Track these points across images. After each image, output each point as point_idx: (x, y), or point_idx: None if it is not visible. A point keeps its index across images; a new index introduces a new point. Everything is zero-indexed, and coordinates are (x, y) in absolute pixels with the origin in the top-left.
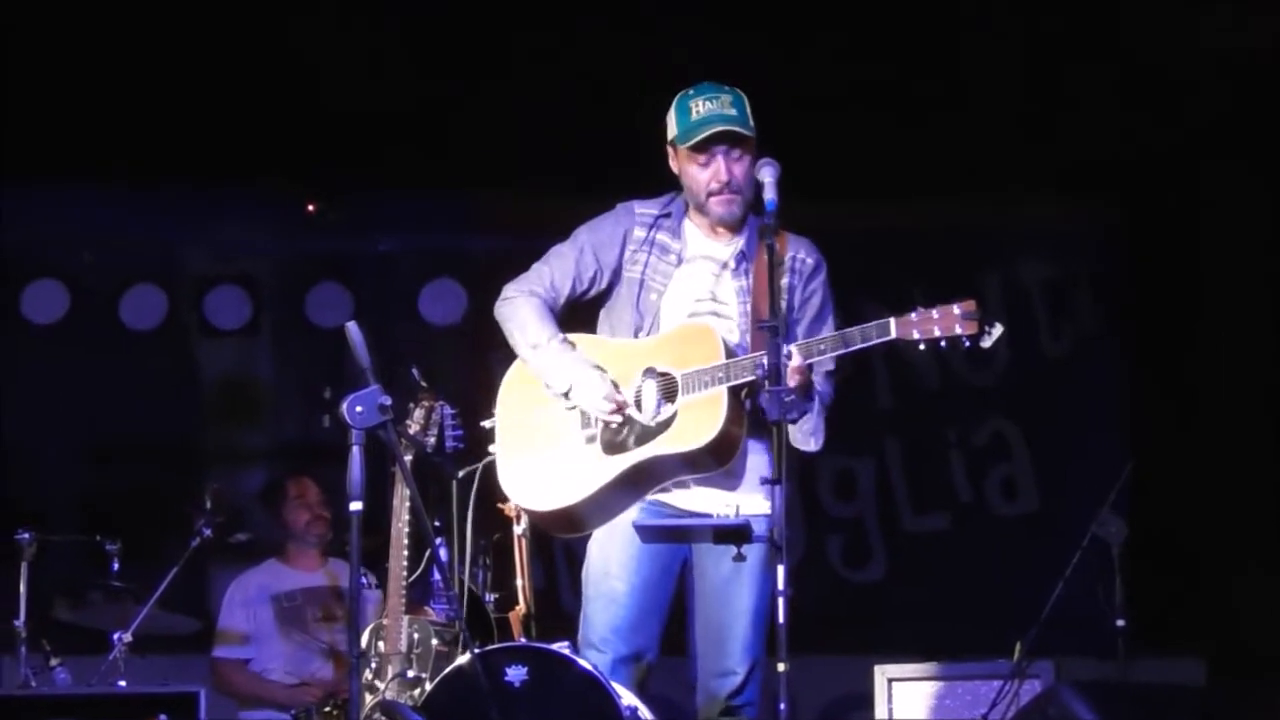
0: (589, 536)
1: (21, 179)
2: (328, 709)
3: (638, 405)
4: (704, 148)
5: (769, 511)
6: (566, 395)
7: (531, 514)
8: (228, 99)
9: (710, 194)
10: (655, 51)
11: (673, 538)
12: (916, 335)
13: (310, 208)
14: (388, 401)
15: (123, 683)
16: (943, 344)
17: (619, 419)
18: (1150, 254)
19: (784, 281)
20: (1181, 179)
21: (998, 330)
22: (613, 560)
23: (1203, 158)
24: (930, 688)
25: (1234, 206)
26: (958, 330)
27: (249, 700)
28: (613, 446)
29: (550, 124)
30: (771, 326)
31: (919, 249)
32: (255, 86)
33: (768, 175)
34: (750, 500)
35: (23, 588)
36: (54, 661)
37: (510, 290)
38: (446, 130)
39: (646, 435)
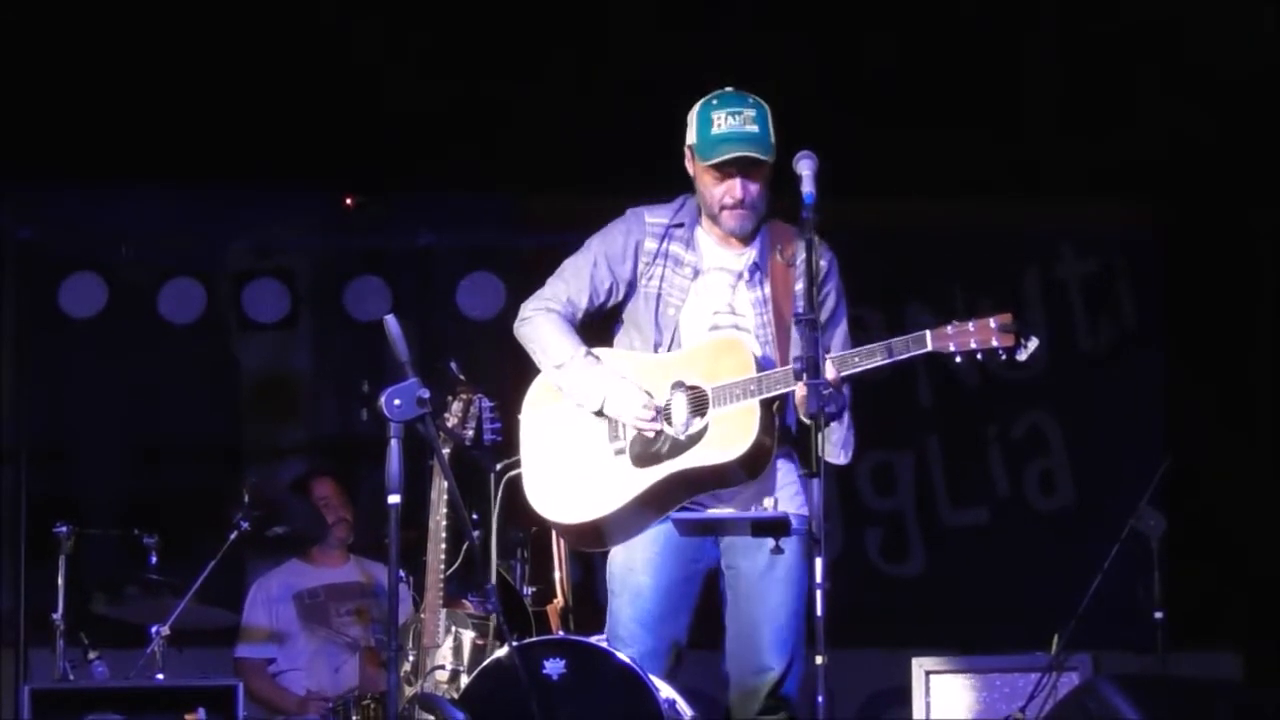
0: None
1: (60, 174)
2: (366, 702)
3: (667, 419)
4: (723, 167)
5: (804, 514)
6: (600, 411)
7: (557, 526)
8: (268, 94)
9: (723, 208)
10: (699, 50)
11: (710, 530)
12: (952, 348)
13: (349, 202)
14: (426, 395)
15: (160, 676)
16: (979, 356)
17: (656, 428)
18: (1189, 250)
19: (798, 287)
20: (1221, 176)
21: (1033, 344)
22: (637, 558)
23: (1242, 155)
24: (968, 681)
25: (1274, 204)
26: (994, 343)
27: (262, 704)
28: (643, 459)
29: (591, 121)
30: (810, 320)
31: (958, 246)
32: (296, 82)
33: (806, 168)
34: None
35: (61, 581)
36: (92, 655)
37: (528, 310)
38: (487, 126)
39: (677, 448)
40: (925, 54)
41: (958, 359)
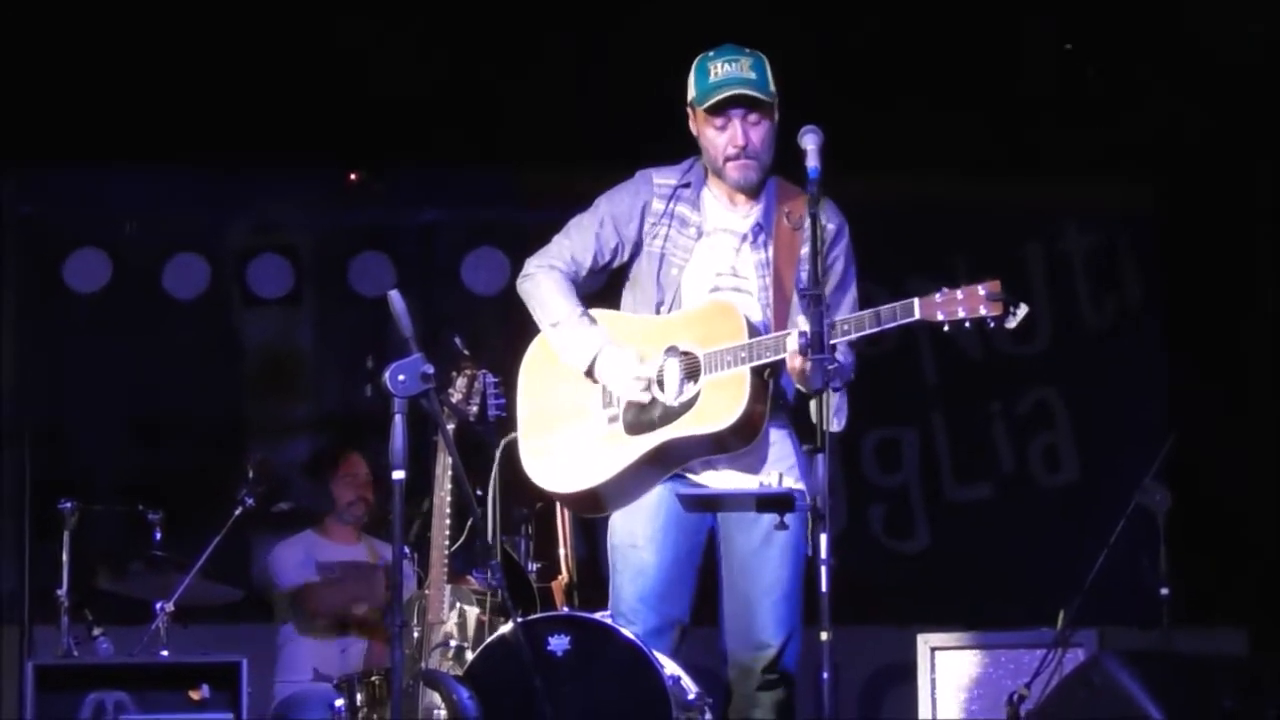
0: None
1: (65, 150)
2: (372, 679)
3: (660, 384)
4: (720, 110)
5: (802, 489)
6: (590, 373)
7: (553, 495)
8: (271, 71)
9: (727, 158)
10: (701, 24)
11: (715, 506)
12: (941, 316)
13: (352, 177)
14: (430, 370)
15: (165, 652)
16: (966, 325)
17: (646, 398)
18: (1192, 226)
19: (804, 251)
20: (1224, 155)
21: (1022, 311)
22: (638, 533)
23: (1245, 135)
24: (973, 656)
25: (1274, 181)
26: (982, 311)
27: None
28: (635, 427)
29: (593, 95)
30: (815, 295)
31: (962, 222)
32: (298, 59)
33: (810, 142)
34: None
35: (65, 557)
36: (96, 631)
37: (531, 266)
38: (489, 102)
39: (669, 415)
40: (929, 30)
41: (946, 328)
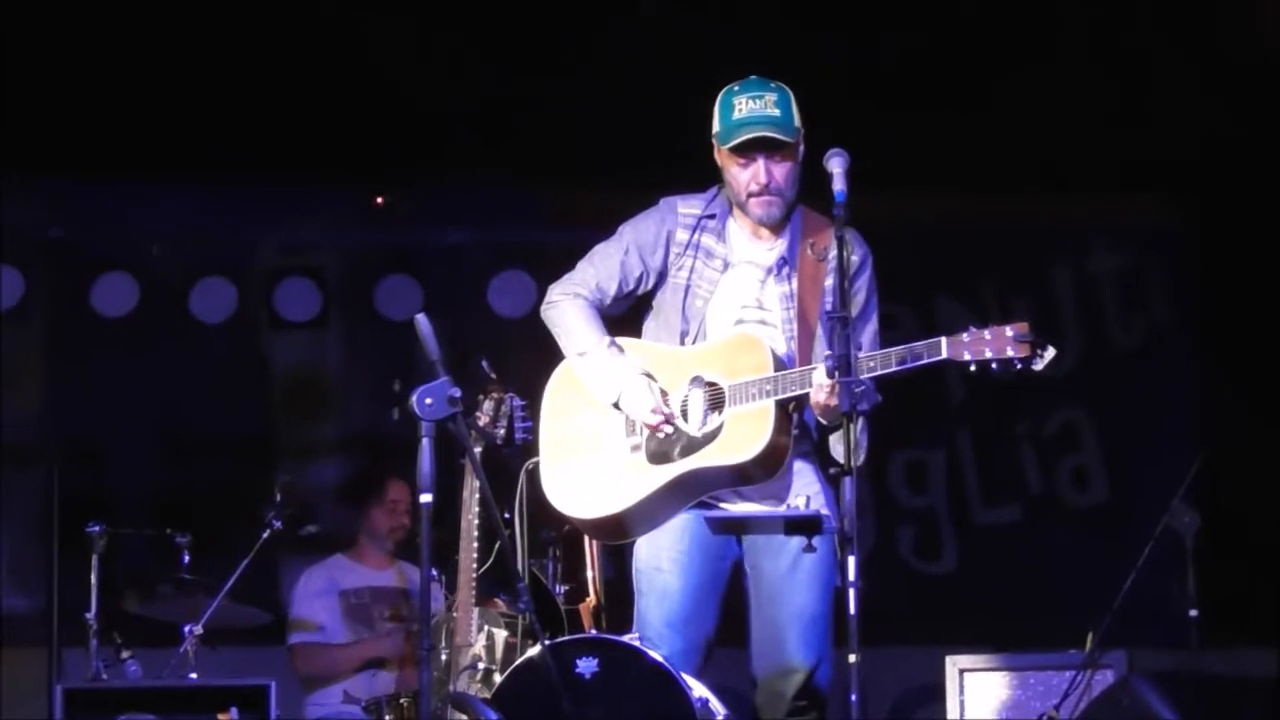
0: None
1: (91, 173)
2: (401, 701)
3: (684, 414)
4: (744, 150)
5: (826, 514)
6: (616, 405)
7: (574, 520)
8: (298, 93)
9: (750, 195)
10: (729, 44)
11: (742, 529)
12: (968, 356)
13: (379, 200)
14: (457, 393)
15: (194, 675)
16: (994, 366)
17: (667, 430)
18: (1223, 245)
19: (828, 283)
20: (1255, 172)
21: (1050, 354)
22: (663, 556)
23: (1276, 152)
24: (1002, 678)
25: None
26: (1009, 353)
27: (328, 679)
28: (658, 456)
29: (620, 116)
30: (841, 318)
31: (989, 242)
32: (326, 81)
33: (837, 166)
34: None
35: (94, 580)
36: (125, 654)
37: (555, 293)
38: (515, 123)
39: (692, 446)
40: (956, 47)
41: (973, 368)
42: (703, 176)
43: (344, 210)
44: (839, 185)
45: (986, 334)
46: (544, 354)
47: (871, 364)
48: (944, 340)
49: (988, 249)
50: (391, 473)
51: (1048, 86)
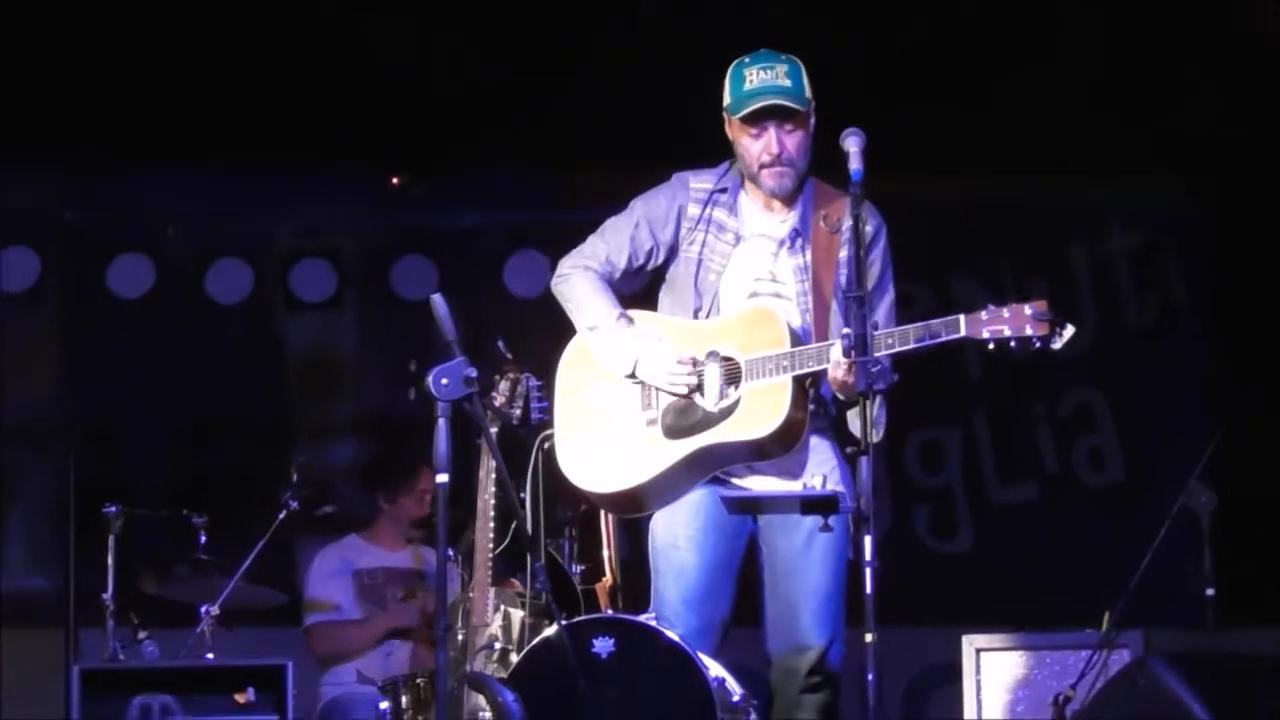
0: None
1: (107, 155)
2: (417, 681)
3: (700, 389)
4: (756, 120)
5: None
6: (632, 375)
7: (589, 494)
8: (314, 75)
9: (762, 166)
10: (741, 25)
11: (758, 508)
12: (986, 334)
13: (394, 181)
14: (473, 374)
15: (210, 656)
16: (1012, 344)
17: (691, 380)
18: (1238, 226)
19: (842, 255)
20: (1270, 153)
21: (1069, 332)
22: (679, 534)
23: None
24: (1018, 658)
25: None
26: (1028, 331)
27: (345, 656)
28: (674, 431)
29: (634, 97)
30: (858, 297)
31: (1006, 221)
32: (341, 63)
33: (853, 145)
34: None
35: (110, 561)
36: (142, 635)
37: (565, 266)
38: (531, 104)
39: (709, 421)
40: (971, 28)
41: (991, 346)
42: (715, 154)
43: (360, 192)
44: (855, 165)
45: (1005, 312)
46: (559, 333)
47: (889, 341)
48: (963, 318)
49: (1004, 229)
50: (423, 461)
51: (1065, 67)
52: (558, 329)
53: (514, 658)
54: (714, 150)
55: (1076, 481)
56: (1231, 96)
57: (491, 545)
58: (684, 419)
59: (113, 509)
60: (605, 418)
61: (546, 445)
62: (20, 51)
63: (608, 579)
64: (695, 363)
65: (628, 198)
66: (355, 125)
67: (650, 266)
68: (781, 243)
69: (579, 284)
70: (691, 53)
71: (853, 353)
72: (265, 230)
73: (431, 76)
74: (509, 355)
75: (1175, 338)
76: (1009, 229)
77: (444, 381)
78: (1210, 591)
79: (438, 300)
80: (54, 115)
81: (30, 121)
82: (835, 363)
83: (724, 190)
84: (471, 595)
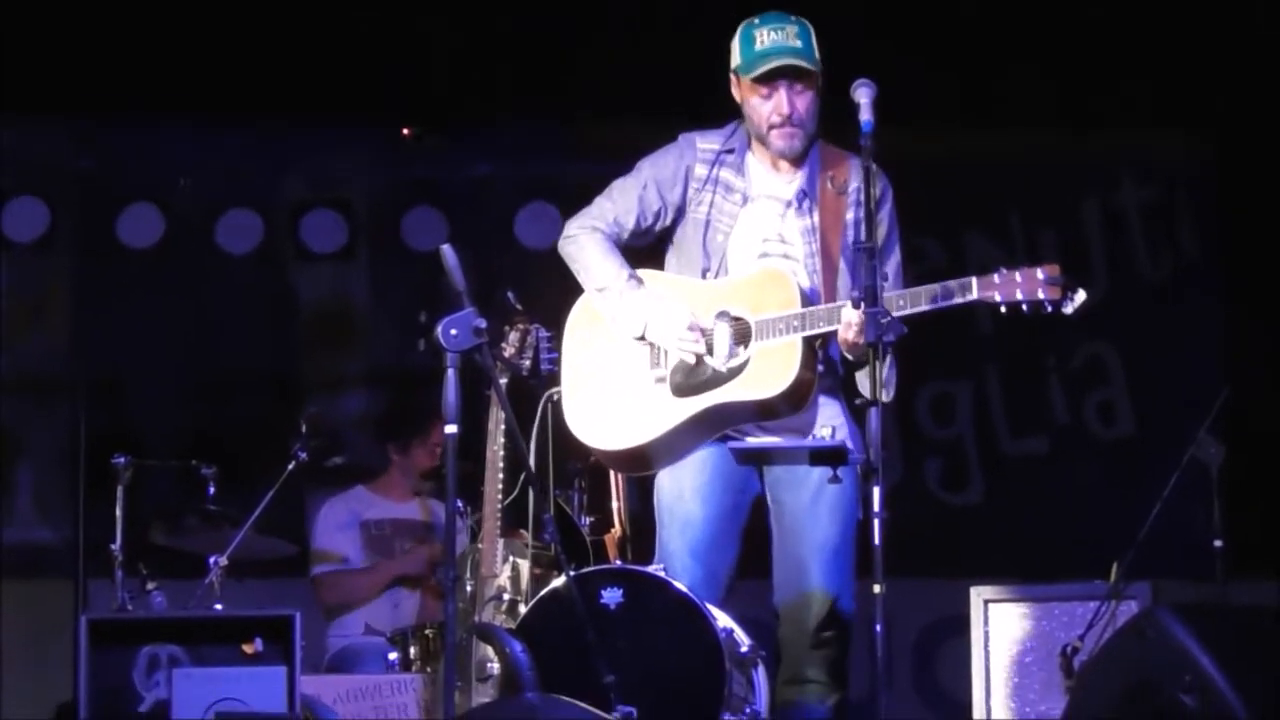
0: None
1: (118, 106)
2: (425, 632)
3: (709, 348)
4: (766, 80)
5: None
6: (642, 336)
7: (597, 452)
8: (325, 26)
9: (771, 126)
10: None
11: (766, 459)
12: (998, 297)
13: (406, 132)
14: (483, 324)
15: (219, 606)
16: (1024, 307)
17: (700, 348)
18: (1250, 180)
19: (849, 216)
20: None
21: (1080, 297)
22: (686, 486)
23: None
24: (1026, 609)
25: None
26: (1040, 295)
27: (353, 605)
28: (683, 389)
29: (646, 49)
30: (868, 248)
31: (1016, 176)
32: (353, 13)
33: (864, 96)
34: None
35: (119, 512)
36: (150, 585)
37: (573, 227)
38: (542, 55)
39: (718, 379)
40: None
41: (1003, 309)
42: (726, 107)
43: (371, 143)
44: (866, 115)
45: (1017, 275)
46: (570, 285)
47: (901, 303)
48: (975, 281)
49: (1015, 183)
50: (438, 413)
51: (1078, 21)
52: (568, 281)
53: (522, 608)
54: (726, 103)
55: (1087, 434)
56: (1247, 51)
57: (500, 496)
58: (692, 378)
59: (122, 460)
60: (613, 375)
61: (555, 399)
62: (30, 2)
63: (617, 530)
64: (704, 331)
65: (639, 151)
66: (367, 76)
67: (659, 227)
68: (789, 204)
69: (587, 245)
70: (702, 5)
71: (862, 304)
72: (275, 181)
73: (444, 28)
74: (519, 306)
75: (1187, 291)
76: (1020, 183)
77: (453, 332)
78: (1218, 543)
79: (448, 251)
80: (64, 66)
81: (40, 72)
82: (846, 324)
83: (731, 151)
84: (480, 546)
